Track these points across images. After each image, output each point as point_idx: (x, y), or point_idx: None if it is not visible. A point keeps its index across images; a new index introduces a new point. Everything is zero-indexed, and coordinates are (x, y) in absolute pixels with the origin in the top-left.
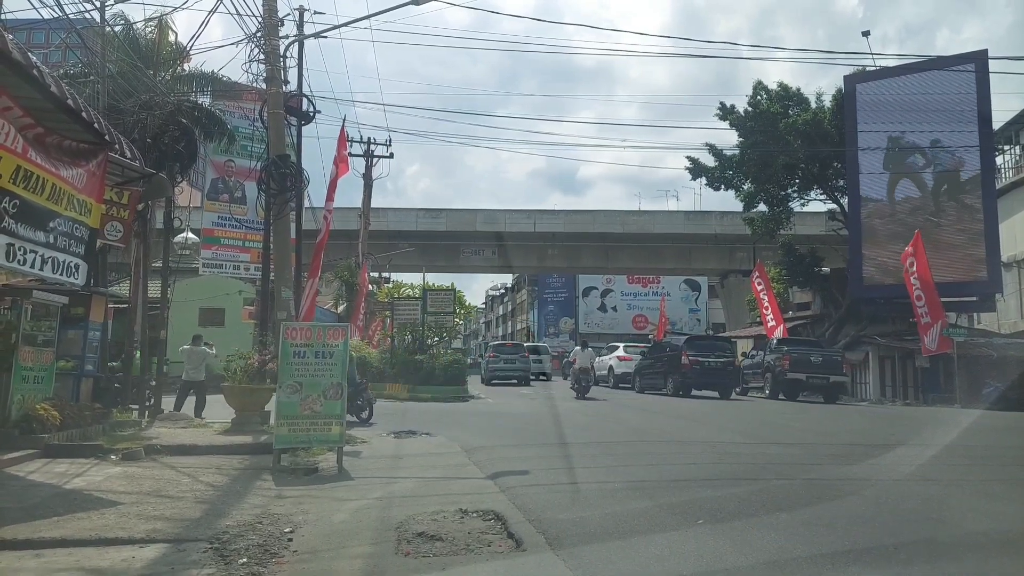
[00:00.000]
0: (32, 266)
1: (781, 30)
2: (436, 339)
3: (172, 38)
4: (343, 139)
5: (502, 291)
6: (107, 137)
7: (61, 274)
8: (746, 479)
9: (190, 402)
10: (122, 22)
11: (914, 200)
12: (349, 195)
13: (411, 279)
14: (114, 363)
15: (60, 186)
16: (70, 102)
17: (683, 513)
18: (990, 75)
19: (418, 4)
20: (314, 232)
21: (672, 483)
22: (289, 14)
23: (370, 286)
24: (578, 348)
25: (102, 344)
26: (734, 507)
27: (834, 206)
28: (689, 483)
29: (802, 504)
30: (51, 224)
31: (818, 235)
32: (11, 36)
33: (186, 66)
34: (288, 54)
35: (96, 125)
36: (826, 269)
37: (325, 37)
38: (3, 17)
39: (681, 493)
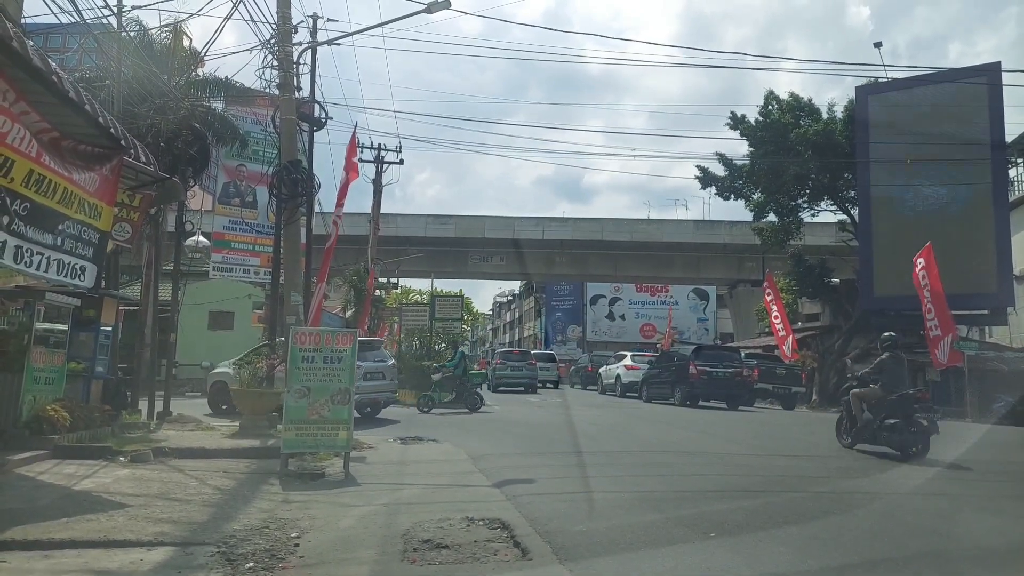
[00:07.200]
0: (38, 268)
1: (790, 42)
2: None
3: (187, 43)
4: (353, 145)
5: (509, 298)
6: (123, 142)
7: (67, 276)
8: (756, 491)
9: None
10: (137, 27)
11: (925, 212)
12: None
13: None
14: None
15: (71, 189)
16: (87, 108)
17: (692, 526)
18: (1003, 87)
19: (431, 12)
20: (324, 237)
21: (681, 495)
22: (303, 21)
23: (378, 291)
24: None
25: (112, 346)
26: (743, 520)
27: (844, 217)
28: (698, 495)
29: (811, 517)
30: (60, 227)
31: (828, 246)
32: (31, 41)
33: (200, 71)
34: (301, 61)
35: (112, 130)
36: (836, 280)
37: (338, 44)
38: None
39: (690, 505)
